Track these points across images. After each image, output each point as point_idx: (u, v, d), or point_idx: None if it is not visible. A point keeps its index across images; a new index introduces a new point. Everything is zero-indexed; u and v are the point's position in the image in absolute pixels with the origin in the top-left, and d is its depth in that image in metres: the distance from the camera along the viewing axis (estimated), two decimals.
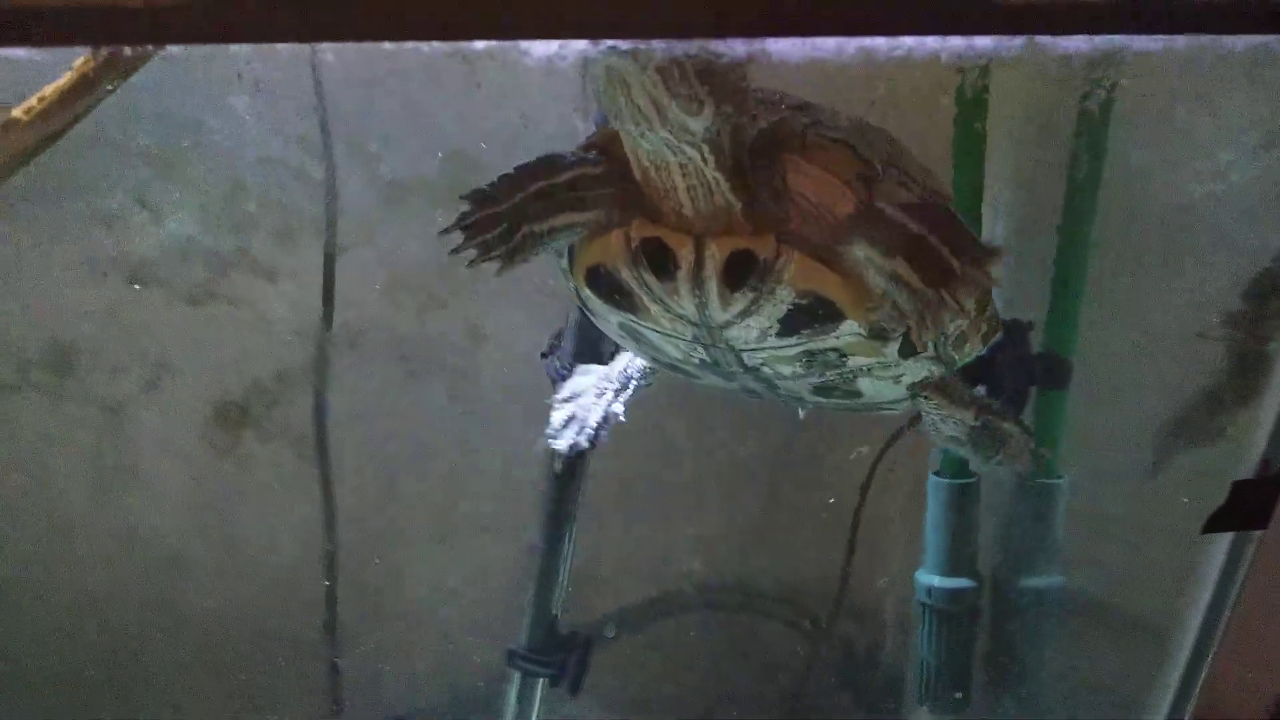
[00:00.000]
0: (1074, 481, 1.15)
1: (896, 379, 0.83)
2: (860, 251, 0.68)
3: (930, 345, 0.77)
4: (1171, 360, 1.09)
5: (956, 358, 0.82)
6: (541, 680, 1.32)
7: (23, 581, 1.36)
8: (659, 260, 0.72)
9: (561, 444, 1.07)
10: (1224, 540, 0.91)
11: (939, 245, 0.68)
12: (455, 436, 1.41)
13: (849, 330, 0.73)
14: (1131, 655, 1.19)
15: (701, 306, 0.73)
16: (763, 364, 0.81)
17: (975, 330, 0.80)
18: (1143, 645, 1.17)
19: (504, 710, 1.34)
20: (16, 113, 0.73)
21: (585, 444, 1.07)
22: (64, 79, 0.72)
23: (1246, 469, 0.73)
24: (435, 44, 0.59)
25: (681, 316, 0.75)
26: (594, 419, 1.09)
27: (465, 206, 0.76)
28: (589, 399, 1.10)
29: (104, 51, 0.71)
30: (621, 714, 1.54)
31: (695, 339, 0.79)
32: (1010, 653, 1.23)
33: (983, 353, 0.84)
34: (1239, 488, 0.69)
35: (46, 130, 0.73)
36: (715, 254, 0.70)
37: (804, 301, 0.71)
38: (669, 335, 0.80)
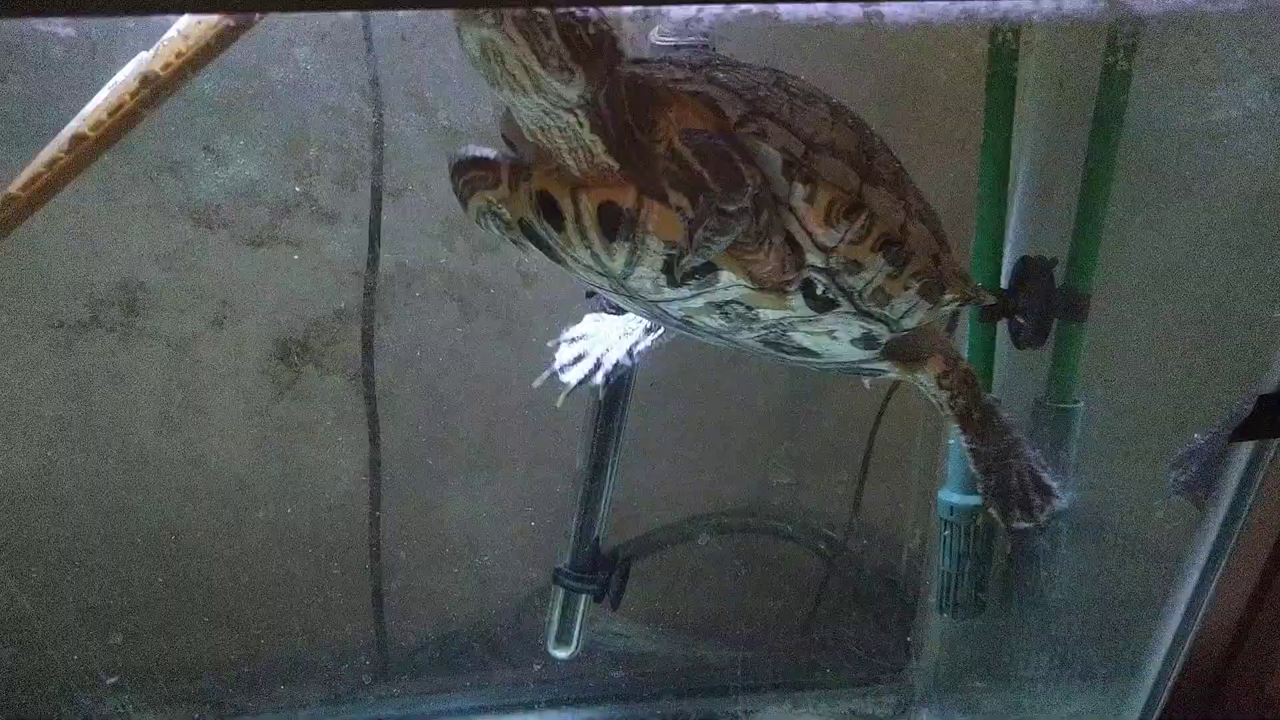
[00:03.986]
0: (1089, 407, 1.24)
1: (831, 334, 0.84)
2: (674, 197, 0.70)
3: (843, 298, 0.79)
4: (1185, 295, 1.18)
5: (888, 315, 0.82)
6: (584, 597, 1.40)
7: (95, 510, 1.43)
8: (550, 211, 0.75)
9: (569, 378, 1.14)
10: (1236, 468, 0.96)
11: (704, 175, 0.69)
12: (504, 372, 1.49)
13: (732, 281, 0.75)
14: (1141, 574, 1.26)
15: (596, 258, 0.76)
16: (686, 316, 0.83)
17: (899, 286, 0.79)
18: (1151, 564, 1.24)
19: (548, 625, 1.42)
20: (155, 67, 0.79)
21: (596, 381, 1.14)
22: (200, 37, 0.78)
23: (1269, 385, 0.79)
24: None
25: (590, 268, 0.78)
26: (607, 360, 1.14)
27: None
28: (599, 341, 1.15)
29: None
30: (650, 628, 1.64)
31: (613, 290, 0.82)
32: (1024, 564, 1.33)
33: (927, 314, 0.84)
34: (1265, 400, 0.76)
35: (181, 84, 0.80)
36: (588, 205, 0.73)
37: (674, 251, 0.73)
38: (600, 287, 0.83)
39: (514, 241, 0.86)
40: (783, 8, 0.56)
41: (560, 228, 0.75)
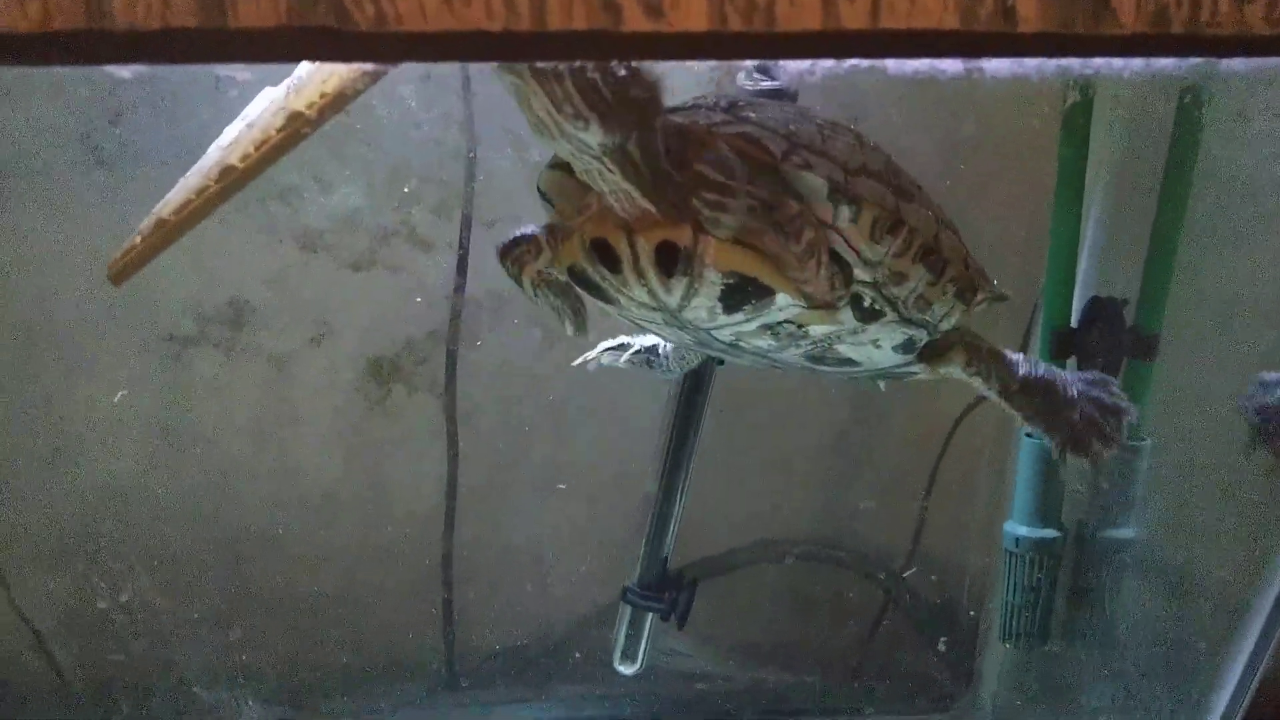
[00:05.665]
0: (1156, 445, 1.27)
1: (875, 344, 0.87)
2: (704, 212, 0.73)
3: (889, 308, 0.82)
4: (1253, 334, 1.20)
5: (929, 320, 0.86)
6: (650, 615, 1.43)
7: (191, 516, 1.51)
8: (606, 256, 0.78)
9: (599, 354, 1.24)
10: None
11: (759, 195, 0.72)
12: (579, 396, 1.54)
13: (787, 302, 0.78)
14: (1207, 611, 1.27)
15: (653, 294, 0.79)
16: (737, 339, 0.86)
17: (939, 292, 0.83)
18: (1217, 602, 1.24)
19: (615, 642, 1.46)
20: (300, 106, 0.86)
21: (621, 361, 1.24)
22: (345, 78, 0.85)
23: None
24: None
25: (644, 304, 0.81)
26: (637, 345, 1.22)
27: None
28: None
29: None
30: (711, 648, 1.67)
31: (665, 323, 0.85)
32: (1089, 598, 1.35)
33: (962, 315, 0.88)
34: None
35: (323, 123, 0.87)
36: (645, 246, 0.76)
37: (732, 281, 0.76)
38: (649, 322, 0.88)
39: (554, 308, 0.95)
40: (890, 62, 0.61)
41: (617, 270, 0.79)
